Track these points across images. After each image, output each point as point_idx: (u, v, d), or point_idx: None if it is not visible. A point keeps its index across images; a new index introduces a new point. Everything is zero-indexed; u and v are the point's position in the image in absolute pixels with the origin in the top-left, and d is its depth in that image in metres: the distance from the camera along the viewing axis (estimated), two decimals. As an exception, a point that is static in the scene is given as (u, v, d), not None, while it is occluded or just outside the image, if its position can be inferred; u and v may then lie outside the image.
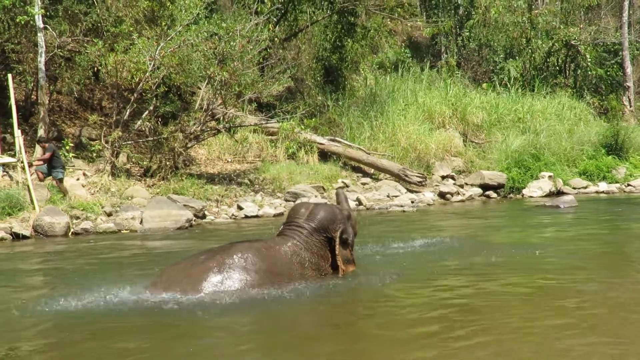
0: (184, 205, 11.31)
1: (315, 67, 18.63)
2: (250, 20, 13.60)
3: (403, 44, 26.47)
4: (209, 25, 12.98)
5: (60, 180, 10.99)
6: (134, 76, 12.16)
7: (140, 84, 12.30)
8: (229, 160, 15.20)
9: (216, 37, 12.94)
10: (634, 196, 14.51)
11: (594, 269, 5.97)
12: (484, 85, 22.04)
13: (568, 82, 23.46)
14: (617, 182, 15.88)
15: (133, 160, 13.33)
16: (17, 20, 11.92)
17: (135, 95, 12.53)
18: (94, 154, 13.03)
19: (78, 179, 11.92)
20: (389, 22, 22.37)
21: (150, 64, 12.27)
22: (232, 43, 12.87)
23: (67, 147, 12.74)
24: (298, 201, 12.80)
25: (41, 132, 12.39)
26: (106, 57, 12.43)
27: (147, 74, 12.23)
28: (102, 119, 14.23)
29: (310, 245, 5.10)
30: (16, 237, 9.36)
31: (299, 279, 4.91)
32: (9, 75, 11.52)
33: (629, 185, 15.69)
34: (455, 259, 6.41)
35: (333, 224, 5.22)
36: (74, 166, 12.72)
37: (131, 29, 12.78)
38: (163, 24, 12.89)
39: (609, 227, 9.42)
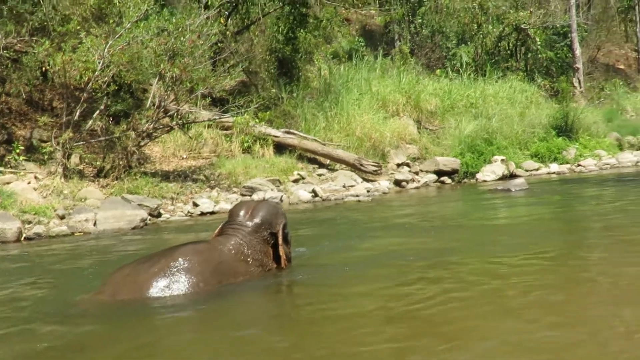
0: (139, 204, 11.24)
1: (269, 59, 18.59)
2: (200, 15, 13.51)
3: (357, 33, 26.61)
4: (158, 21, 12.88)
5: None
6: (82, 75, 12.00)
7: (90, 83, 12.15)
8: (184, 156, 15.12)
9: (166, 32, 12.84)
10: (583, 176, 14.87)
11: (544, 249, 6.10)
12: (438, 71, 22.26)
13: (519, 65, 23.83)
14: (567, 163, 16.29)
15: (86, 160, 13.19)
16: (-42, 22, 11.70)
17: (85, 95, 12.38)
18: (46, 156, 12.83)
19: (29, 183, 11.74)
20: (342, 11, 22.42)
21: (99, 62, 12.14)
22: (182, 39, 12.80)
23: (17, 151, 12.54)
24: (254, 196, 12.84)
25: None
26: (54, 56, 12.26)
27: (97, 72, 12.09)
28: (53, 119, 14.01)
29: (253, 242, 5.17)
30: (-35, 243, 9.21)
31: (244, 277, 4.98)
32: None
33: (579, 165, 16.09)
34: (406, 248, 6.52)
35: (276, 219, 5.32)
36: (24, 169, 12.55)
37: (78, 27, 12.60)
38: (111, 21, 12.71)
39: (557, 208, 9.68)
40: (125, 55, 12.39)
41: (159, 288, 4.58)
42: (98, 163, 13.02)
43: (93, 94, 12.79)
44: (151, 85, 13.49)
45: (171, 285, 4.61)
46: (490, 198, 11.39)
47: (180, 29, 12.72)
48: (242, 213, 5.32)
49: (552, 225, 8.08)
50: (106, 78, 12.24)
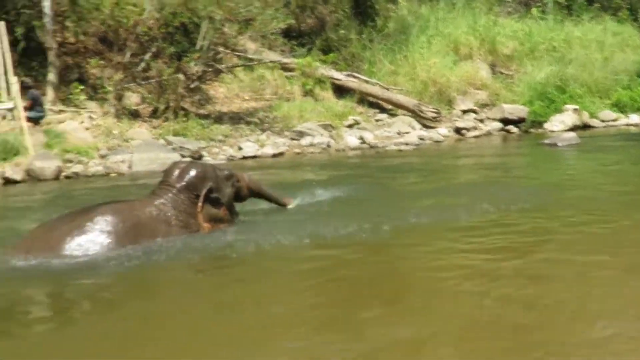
0: (180, 147, 11.49)
1: (344, -2, 18.15)
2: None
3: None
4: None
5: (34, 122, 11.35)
6: (129, 18, 12.21)
7: (139, 27, 12.37)
8: (247, 98, 15.19)
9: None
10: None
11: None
12: (533, 10, 20.94)
13: (624, 3, 21.96)
14: (652, 114, 14.97)
15: (147, 101, 13.51)
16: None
17: (135, 36, 12.62)
18: (106, 96, 13.22)
19: (82, 122, 12.21)
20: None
21: (149, 2, 12.33)
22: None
23: (78, 90, 12.99)
24: (302, 140, 12.75)
25: (50, 76, 12.74)
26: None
27: (145, 15, 12.29)
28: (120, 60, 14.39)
29: (179, 203, 5.15)
30: (7, 181, 9.77)
31: (163, 237, 4.96)
32: (2, 24, 11.71)
33: (664, 116, 14.75)
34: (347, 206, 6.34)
35: (202, 183, 5.25)
36: (85, 108, 13.02)
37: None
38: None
39: (594, 167, 8.95)
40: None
41: (70, 246, 4.67)
42: (154, 103, 13.31)
43: (148, 35, 13.00)
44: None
45: (82, 244, 4.69)
46: (529, 153, 10.75)
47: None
48: (173, 173, 5.31)
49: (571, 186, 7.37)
50: (151, 21, 12.40)
